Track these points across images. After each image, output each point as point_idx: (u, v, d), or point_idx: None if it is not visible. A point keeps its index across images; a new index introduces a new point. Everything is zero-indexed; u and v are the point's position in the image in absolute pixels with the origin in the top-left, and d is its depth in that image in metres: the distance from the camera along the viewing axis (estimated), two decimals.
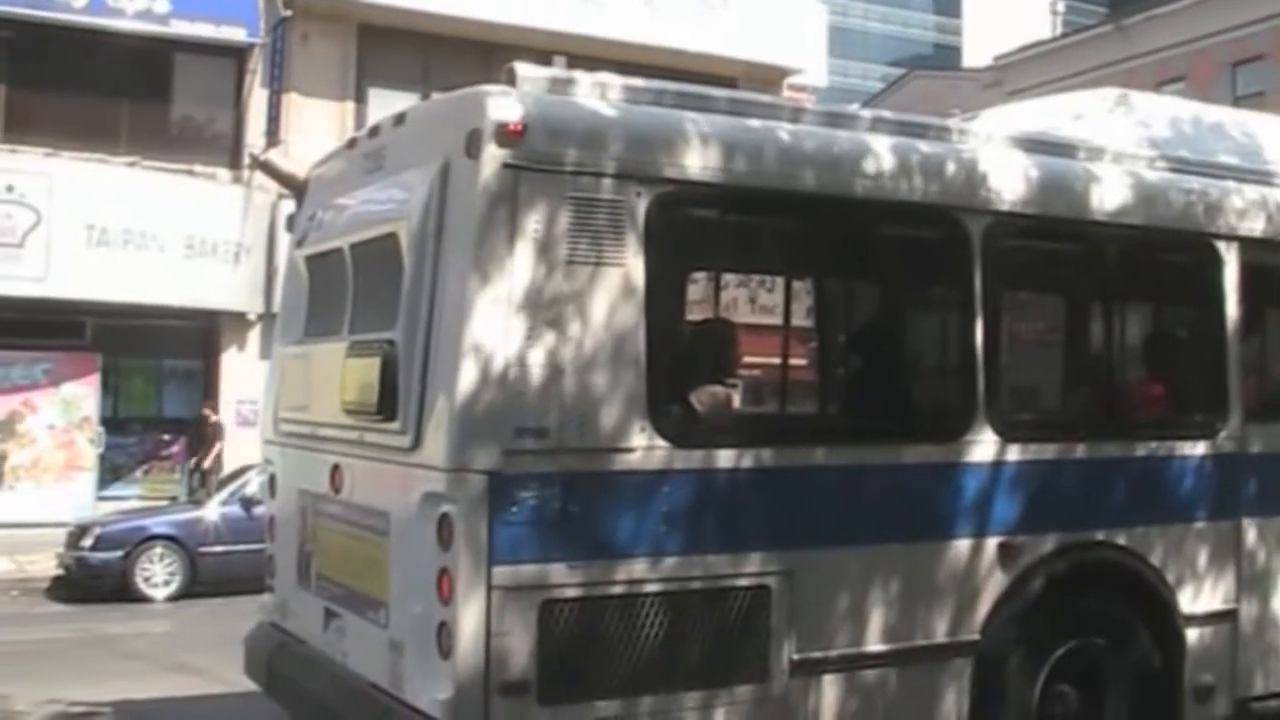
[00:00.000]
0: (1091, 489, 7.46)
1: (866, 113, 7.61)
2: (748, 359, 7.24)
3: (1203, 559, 7.84)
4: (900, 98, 46.93)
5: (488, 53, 20.87)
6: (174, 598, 16.79)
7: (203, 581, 16.85)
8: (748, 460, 6.41)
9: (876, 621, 6.74)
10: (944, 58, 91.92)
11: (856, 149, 6.93)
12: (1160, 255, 8.20)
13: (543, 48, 18.15)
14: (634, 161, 6.23)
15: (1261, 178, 8.64)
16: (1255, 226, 8.26)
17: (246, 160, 20.89)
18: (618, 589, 6.07)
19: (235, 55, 22.50)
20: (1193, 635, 7.79)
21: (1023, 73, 39.78)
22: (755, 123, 6.76)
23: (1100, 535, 7.49)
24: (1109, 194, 7.69)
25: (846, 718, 6.64)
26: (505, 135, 5.94)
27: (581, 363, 6.00)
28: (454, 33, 22.46)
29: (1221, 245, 8.07)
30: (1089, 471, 7.48)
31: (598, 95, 6.41)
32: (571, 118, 6.23)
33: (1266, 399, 8.35)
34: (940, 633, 6.93)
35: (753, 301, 7.03)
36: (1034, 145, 7.75)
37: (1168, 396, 8.22)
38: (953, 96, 34.10)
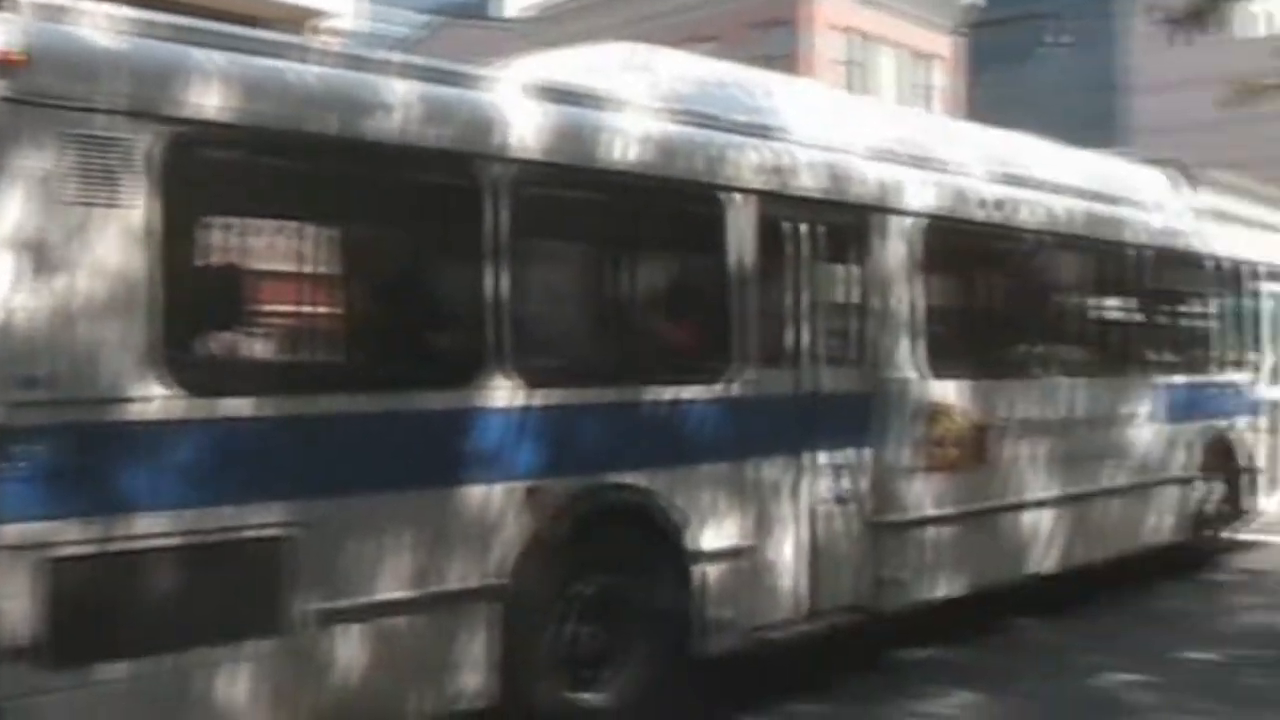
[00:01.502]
0: (609, 433, 7.67)
1: (390, 56, 7.55)
2: (265, 306, 7.05)
3: (716, 498, 8.19)
4: (436, 45, 46.85)
5: None
6: None
7: None
8: (265, 409, 6.26)
9: (401, 569, 6.71)
10: (486, 8, 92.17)
11: (378, 93, 6.87)
12: (674, 206, 8.44)
13: None
14: (145, 99, 5.95)
15: (775, 134, 9.06)
16: (766, 181, 8.66)
17: None
18: (130, 545, 5.80)
19: None
20: (710, 571, 8.13)
21: (559, 25, 40.32)
22: (276, 63, 6.60)
23: (619, 478, 7.70)
24: (626, 145, 7.91)
25: (373, 666, 6.59)
26: (3, 66, 5.56)
27: (91, 310, 5.71)
28: None
29: (732, 197, 8.43)
30: (605, 416, 7.68)
31: (108, 27, 6.07)
32: (79, 49, 5.88)
33: (771, 344, 8.73)
34: (467, 578, 6.97)
35: (272, 247, 6.81)
36: (554, 95, 7.86)
37: (679, 343, 8.49)
38: (489, 46, 34.24)
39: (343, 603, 6.49)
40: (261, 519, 6.20)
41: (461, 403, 7.02)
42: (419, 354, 7.26)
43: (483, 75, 7.76)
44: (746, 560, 8.41)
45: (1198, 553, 13.72)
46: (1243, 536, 14.81)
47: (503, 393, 7.11)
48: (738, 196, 8.45)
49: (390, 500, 6.70)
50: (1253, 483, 14.57)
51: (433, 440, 6.92)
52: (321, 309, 6.90)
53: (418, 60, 7.64)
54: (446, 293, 7.52)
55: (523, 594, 7.16)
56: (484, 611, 7.04)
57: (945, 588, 9.99)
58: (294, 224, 6.84)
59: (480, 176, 7.14)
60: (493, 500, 7.07)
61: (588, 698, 7.61)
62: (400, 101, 6.92)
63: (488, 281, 7.10)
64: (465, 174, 7.15)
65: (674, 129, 8.40)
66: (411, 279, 7.37)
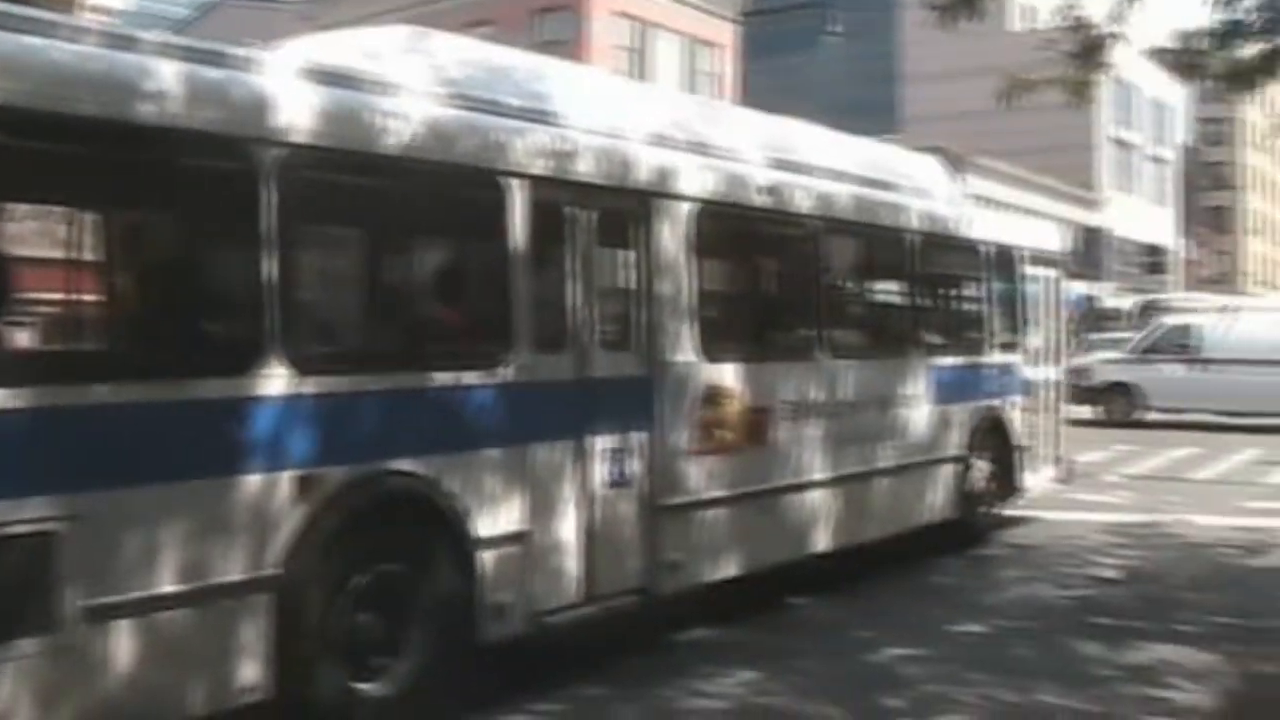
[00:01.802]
0: (386, 420, 7.58)
1: (158, 37, 7.34)
2: (28, 294, 6.83)
3: (495, 484, 8.17)
4: (210, 26, 46.05)
5: None
6: None
7: None
8: (27, 400, 6.01)
9: (173, 562, 6.55)
10: None
11: (144, 73, 6.66)
12: (451, 191, 8.40)
13: None
14: None
15: (553, 119, 9.07)
16: (544, 166, 8.66)
17: None
18: None
19: None
20: (488, 557, 8.10)
21: (336, 7, 39.82)
22: (35, 41, 6.33)
23: (395, 465, 7.63)
24: (402, 129, 7.83)
25: (146, 661, 6.43)
26: None
27: None
28: None
29: (509, 182, 8.40)
30: (382, 403, 7.59)
31: None
32: None
33: (550, 329, 8.73)
34: (239, 569, 6.83)
35: (35, 232, 6.62)
36: (329, 78, 7.75)
37: (459, 329, 8.45)
38: (266, 28, 33.70)
39: (113, 598, 6.31)
40: (26, 514, 5.97)
41: (233, 391, 6.88)
42: (189, 342, 7.08)
43: (254, 57, 7.59)
44: (527, 545, 8.40)
45: (970, 529, 14.14)
46: (1012, 512, 15.31)
47: (276, 381, 6.98)
48: (515, 181, 8.43)
49: (162, 492, 6.53)
50: (1022, 461, 15.05)
51: (204, 430, 6.77)
52: (88, 296, 6.71)
53: (186, 41, 7.45)
54: (217, 279, 7.37)
55: (298, 585, 7.05)
56: (259, 604, 6.91)
57: (724, 568, 10.14)
58: (57, 209, 6.64)
59: (251, 160, 6.99)
60: (266, 490, 6.94)
61: (369, 688, 7.53)
62: (167, 83, 6.72)
63: (260, 268, 6.95)
64: (235, 157, 6.99)
65: (452, 113, 8.36)
66: (181, 265, 7.19)
